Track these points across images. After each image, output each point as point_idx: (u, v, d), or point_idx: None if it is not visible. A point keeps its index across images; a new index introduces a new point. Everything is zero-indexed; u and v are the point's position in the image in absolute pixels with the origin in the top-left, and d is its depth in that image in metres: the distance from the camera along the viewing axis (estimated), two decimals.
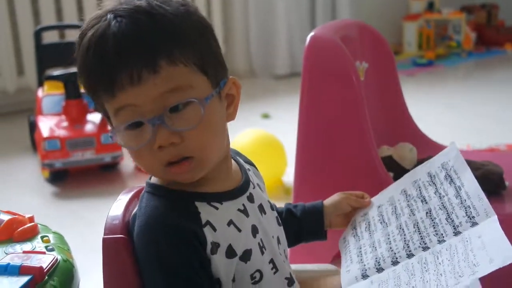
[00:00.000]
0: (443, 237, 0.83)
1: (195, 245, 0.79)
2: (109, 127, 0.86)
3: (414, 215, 0.90)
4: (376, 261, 0.88)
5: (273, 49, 4.34)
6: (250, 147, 2.31)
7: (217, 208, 0.83)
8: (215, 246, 0.81)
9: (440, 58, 4.72)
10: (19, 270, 1.07)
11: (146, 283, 0.82)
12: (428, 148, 1.59)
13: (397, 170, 1.38)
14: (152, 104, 0.78)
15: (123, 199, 0.93)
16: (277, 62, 4.32)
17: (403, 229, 0.89)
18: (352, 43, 1.47)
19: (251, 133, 2.38)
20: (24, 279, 1.05)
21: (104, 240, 0.87)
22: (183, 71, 0.78)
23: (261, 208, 0.90)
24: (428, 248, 0.84)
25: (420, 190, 0.93)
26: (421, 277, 0.79)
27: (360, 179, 1.35)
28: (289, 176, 2.35)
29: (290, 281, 0.92)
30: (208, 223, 0.81)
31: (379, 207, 0.98)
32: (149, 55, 0.76)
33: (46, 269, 1.10)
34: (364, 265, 0.89)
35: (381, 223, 0.94)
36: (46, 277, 1.09)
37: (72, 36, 3.54)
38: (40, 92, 2.85)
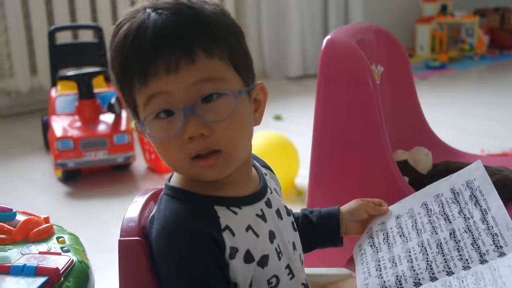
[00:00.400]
0: (468, 263, 0.81)
1: (214, 250, 0.79)
2: (134, 122, 0.86)
3: (436, 233, 0.88)
4: (397, 279, 0.86)
5: (285, 50, 4.34)
6: (263, 148, 2.30)
7: (236, 213, 0.83)
8: (234, 251, 0.81)
9: (452, 61, 4.70)
10: (35, 271, 1.07)
11: (163, 286, 0.82)
12: (443, 153, 1.58)
13: (413, 175, 1.38)
14: (185, 93, 0.78)
15: (139, 201, 0.93)
16: (290, 64, 4.32)
17: (425, 248, 0.87)
18: (368, 46, 1.46)
19: (264, 135, 2.38)
20: (41, 280, 1.05)
21: (120, 242, 0.87)
22: (218, 64, 0.80)
23: (278, 213, 0.90)
24: (453, 273, 0.81)
25: (443, 206, 0.90)
26: None
27: (375, 183, 1.34)
28: (301, 179, 2.35)
29: (306, 287, 0.92)
30: (227, 227, 0.81)
31: (397, 217, 0.96)
32: (188, 45, 0.78)
33: (62, 270, 1.10)
34: (384, 281, 0.87)
35: (400, 236, 0.92)
36: (62, 278, 1.09)
37: (85, 36, 3.57)
38: (53, 92, 2.86)
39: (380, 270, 0.89)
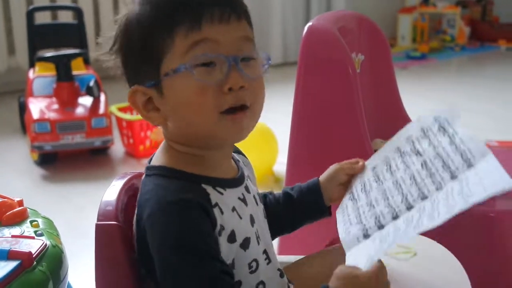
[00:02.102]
0: (441, 184, 0.82)
1: (208, 221, 0.79)
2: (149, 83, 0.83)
3: (409, 168, 0.89)
4: (376, 218, 0.87)
5: (267, 38, 4.33)
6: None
7: (222, 194, 0.83)
8: (221, 228, 0.81)
9: (433, 52, 4.73)
10: (7, 255, 1.06)
11: (163, 263, 0.79)
12: None
13: None
14: (231, 45, 0.81)
15: (117, 184, 0.92)
16: (271, 51, 4.31)
17: (399, 184, 0.89)
18: (349, 34, 1.46)
19: None
20: (13, 264, 1.04)
21: (97, 226, 0.85)
22: (251, 30, 0.86)
23: (255, 199, 0.91)
24: (427, 197, 0.83)
25: (413, 144, 0.92)
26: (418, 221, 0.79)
27: None
28: (280, 166, 2.35)
29: (282, 273, 0.92)
30: (217, 204, 0.82)
31: (374, 168, 0.97)
32: (237, 4, 0.83)
33: (35, 255, 1.09)
34: (364, 224, 0.88)
35: (376, 181, 0.94)
36: (35, 263, 1.08)
37: (65, 17, 3.52)
38: (31, 73, 2.82)
39: (359, 217, 0.90)
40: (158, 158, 0.87)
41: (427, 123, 0.94)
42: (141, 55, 0.82)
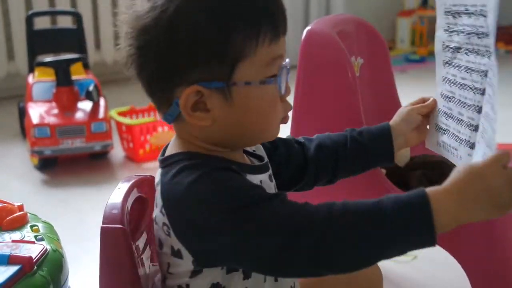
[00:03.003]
0: (488, 50, 0.84)
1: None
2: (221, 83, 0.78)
3: (460, 66, 0.91)
4: (467, 125, 0.89)
5: None
6: None
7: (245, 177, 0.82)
8: None
9: (432, 55, 4.69)
10: (8, 260, 1.06)
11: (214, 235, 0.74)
12: (421, 146, 1.58)
13: (390, 167, 1.38)
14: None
15: (122, 187, 0.91)
16: None
17: (464, 84, 0.90)
18: (348, 38, 1.46)
19: None
20: (13, 269, 1.04)
21: (102, 229, 0.85)
22: None
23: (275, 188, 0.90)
24: (487, 71, 0.85)
25: (449, 47, 0.94)
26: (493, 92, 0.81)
27: None
28: None
29: None
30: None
31: (441, 94, 0.98)
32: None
33: (36, 259, 1.09)
34: (464, 139, 0.90)
35: (450, 101, 0.95)
36: (35, 267, 1.08)
37: (64, 22, 3.52)
38: (30, 78, 2.82)
39: (457, 139, 0.92)
40: (176, 149, 0.83)
41: (443, 21, 0.95)
42: (212, 55, 0.76)
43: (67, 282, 1.18)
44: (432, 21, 4.48)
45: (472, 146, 0.87)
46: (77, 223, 2.07)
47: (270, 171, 0.89)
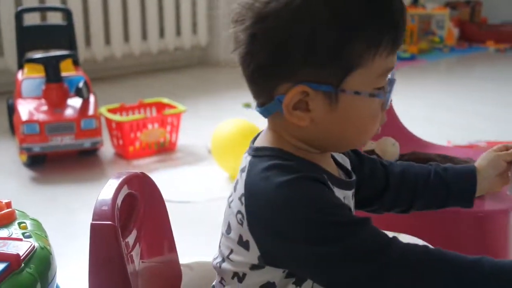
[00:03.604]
0: None
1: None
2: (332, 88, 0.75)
3: None
4: None
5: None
6: (231, 136, 2.30)
7: (333, 190, 0.80)
8: None
9: (422, 53, 4.75)
10: None
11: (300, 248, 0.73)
12: (410, 143, 1.59)
13: None
14: None
15: (112, 184, 0.90)
16: None
17: None
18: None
19: (233, 122, 2.38)
20: (0, 266, 1.04)
21: (92, 225, 0.84)
22: None
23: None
24: None
25: None
26: None
27: None
28: None
29: None
30: (332, 191, 0.80)
31: None
32: None
33: (23, 257, 1.08)
34: None
35: None
36: (23, 265, 1.07)
37: (54, 19, 3.50)
38: (20, 75, 2.80)
39: None
40: (269, 143, 0.81)
41: None
42: (330, 58, 0.73)
43: (55, 279, 1.17)
44: (423, 19, 4.52)
45: None
46: (66, 220, 2.06)
47: (354, 190, 0.87)
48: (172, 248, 1.03)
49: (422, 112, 3.28)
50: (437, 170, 0.95)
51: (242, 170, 0.80)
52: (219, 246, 0.85)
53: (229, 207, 0.81)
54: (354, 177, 0.87)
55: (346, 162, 0.90)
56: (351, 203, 0.86)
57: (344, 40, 0.73)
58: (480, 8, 5.40)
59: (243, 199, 0.77)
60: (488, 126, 2.99)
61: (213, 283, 0.87)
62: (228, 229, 0.81)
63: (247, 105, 3.33)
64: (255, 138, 0.84)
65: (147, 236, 0.98)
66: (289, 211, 0.72)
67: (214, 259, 0.86)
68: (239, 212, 0.78)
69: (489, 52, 4.84)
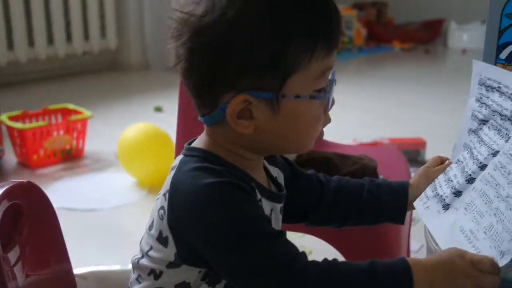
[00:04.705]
0: (507, 134, 0.83)
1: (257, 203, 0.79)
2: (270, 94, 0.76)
3: (479, 137, 0.90)
4: (451, 186, 0.87)
5: (167, 41, 4.28)
6: (137, 140, 2.27)
7: (260, 201, 0.81)
8: None
9: None
10: None
11: (213, 246, 0.74)
12: None
13: None
14: None
15: None
16: (171, 55, 4.25)
17: (472, 153, 0.90)
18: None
19: (138, 127, 2.34)
20: None
21: None
22: None
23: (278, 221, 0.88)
24: (498, 151, 0.83)
25: (477, 117, 0.93)
26: (508, 182, 0.78)
27: None
28: None
29: None
30: (260, 200, 0.80)
31: (458, 160, 0.94)
32: None
33: None
34: (441, 195, 0.88)
35: (456, 162, 0.93)
36: None
37: None
38: None
39: (436, 190, 0.91)
40: (203, 145, 0.82)
41: (475, 93, 0.93)
42: (267, 65, 0.75)
43: None
44: None
45: (445, 206, 0.87)
46: None
47: (283, 204, 0.88)
48: (64, 258, 1.00)
49: (332, 111, 3.33)
50: (370, 187, 0.97)
51: (172, 168, 0.81)
52: (140, 243, 0.85)
53: (156, 204, 0.82)
54: (284, 191, 0.88)
55: (280, 177, 0.91)
56: (278, 216, 0.87)
57: (280, 48, 0.74)
58: (386, 9, 5.58)
59: (167, 195, 0.78)
60: (392, 124, 3.09)
61: (130, 280, 0.87)
62: (151, 225, 0.82)
63: (158, 109, 3.30)
64: (193, 140, 0.85)
65: (35, 248, 0.94)
66: (208, 212, 0.73)
67: (134, 256, 0.86)
68: (162, 207, 0.79)
69: (395, 52, 5.00)
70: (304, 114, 0.78)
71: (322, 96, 0.78)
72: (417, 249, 1.80)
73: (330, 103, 0.81)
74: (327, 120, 0.83)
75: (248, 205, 0.75)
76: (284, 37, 0.74)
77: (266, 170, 0.88)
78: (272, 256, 0.73)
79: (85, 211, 2.10)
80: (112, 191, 2.32)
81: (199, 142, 0.83)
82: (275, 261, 0.73)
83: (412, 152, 2.57)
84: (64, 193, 2.23)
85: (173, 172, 0.80)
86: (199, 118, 0.82)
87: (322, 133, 0.83)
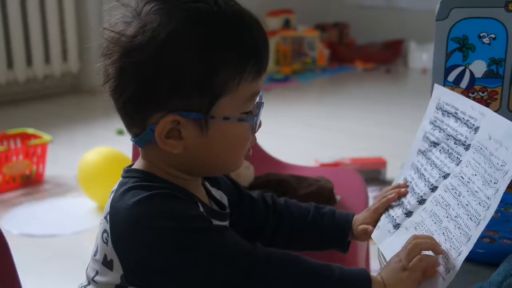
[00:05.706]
0: (459, 158, 0.85)
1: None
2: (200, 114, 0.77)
3: (429, 159, 0.92)
4: (403, 207, 0.90)
5: None
6: (97, 164, 2.25)
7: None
8: None
9: (296, 74, 4.89)
10: None
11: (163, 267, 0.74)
12: (267, 165, 1.62)
13: None
14: None
15: None
16: None
17: (422, 173, 0.92)
18: None
19: (97, 151, 2.33)
20: None
21: None
22: None
23: None
24: (448, 174, 0.85)
25: (428, 139, 0.94)
26: (457, 203, 0.80)
27: None
28: None
29: None
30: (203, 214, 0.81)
31: (405, 179, 0.97)
32: None
33: None
34: (392, 216, 0.90)
35: (404, 181, 0.96)
36: None
37: None
38: None
39: (388, 212, 0.93)
40: (141, 166, 0.82)
41: (431, 115, 0.95)
42: (196, 88, 0.76)
43: None
44: (295, 42, 4.64)
45: (395, 226, 0.89)
46: None
47: (228, 222, 0.88)
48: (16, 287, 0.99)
49: (295, 131, 3.37)
50: (315, 216, 0.98)
51: (112, 192, 0.81)
52: (86, 270, 0.84)
53: (99, 228, 0.82)
54: (228, 210, 0.89)
55: (224, 199, 0.92)
56: None
57: (208, 71, 0.75)
58: (348, 30, 5.66)
59: (108, 217, 0.78)
60: (354, 143, 3.12)
61: None
62: (96, 251, 0.82)
63: (120, 132, 3.27)
64: (132, 164, 0.86)
65: None
66: (148, 224, 0.74)
67: (80, 284, 0.85)
68: (105, 231, 0.79)
69: (358, 72, 5.06)
70: (232, 136, 0.80)
71: (250, 119, 0.80)
72: (377, 269, 1.81)
73: (257, 125, 0.83)
74: (254, 140, 0.84)
75: (185, 207, 0.77)
76: (213, 61, 0.75)
77: (208, 190, 0.89)
78: (227, 246, 0.74)
79: (45, 237, 2.07)
80: (73, 216, 2.29)
81: (137, 164, 0.84)
82: (232, 249, 0.74)
83: (373, 172, 2.60)
84: (24, 219, 2.18)
85: (112, 195, 0.80)
86: (130, 139, 0.83)
87: (249, 151, 0.85)
